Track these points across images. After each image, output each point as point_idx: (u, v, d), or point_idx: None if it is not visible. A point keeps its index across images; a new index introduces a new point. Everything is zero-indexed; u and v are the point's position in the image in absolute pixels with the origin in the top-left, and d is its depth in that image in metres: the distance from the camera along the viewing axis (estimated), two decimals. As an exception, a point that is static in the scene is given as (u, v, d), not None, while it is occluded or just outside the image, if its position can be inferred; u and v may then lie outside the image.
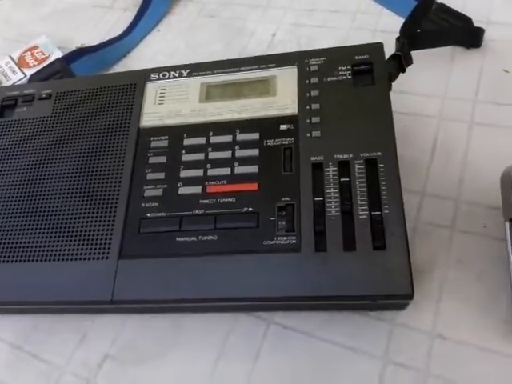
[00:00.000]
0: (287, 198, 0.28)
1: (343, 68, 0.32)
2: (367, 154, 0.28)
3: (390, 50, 0.36)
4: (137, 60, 0.48)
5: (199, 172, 0.30)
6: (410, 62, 0.36)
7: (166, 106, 0.34)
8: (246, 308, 0.29)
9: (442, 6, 0.43)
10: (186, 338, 0.29)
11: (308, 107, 0.31)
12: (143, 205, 0.29)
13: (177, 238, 0.27)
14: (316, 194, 0.28)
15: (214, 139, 0.31)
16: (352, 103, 0.31)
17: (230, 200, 0.28)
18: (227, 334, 0.28)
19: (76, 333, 0.30)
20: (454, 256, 0.29)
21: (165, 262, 0.27)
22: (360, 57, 0.33)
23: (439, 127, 0.36)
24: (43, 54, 0.46)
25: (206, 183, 0.29)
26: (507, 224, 0.27)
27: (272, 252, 0.26)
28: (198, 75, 0.35)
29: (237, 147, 0.30)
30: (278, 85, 0.33)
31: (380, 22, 0.45)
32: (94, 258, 0.28)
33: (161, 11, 0.51)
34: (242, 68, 0.34)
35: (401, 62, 0.35)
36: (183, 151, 0.31)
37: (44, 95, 0.35)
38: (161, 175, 0.30)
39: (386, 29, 0.44)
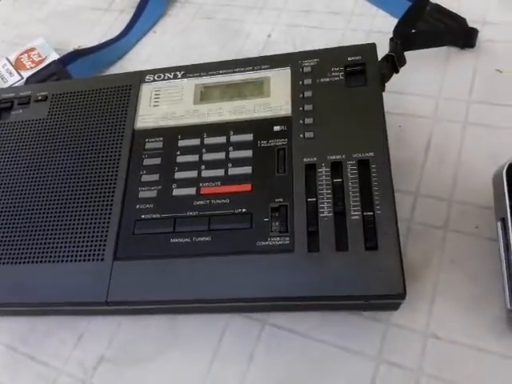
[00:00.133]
0: (280, 199, 0.28)
1: (336, 69, 0.33)
2: (360, 155, 0.29)
3: (384, 50, 0.36)
4: (133, 62, 0.48)
5: (193, 173, 0.30)
6: (403, 62, 0.36)
7: (161, 107, 0.34)
8: (241, 309, 0.29)
9: (437, 6, 0.43)
10: (181, 339, 0.29)
11: (301, 108, 0.31)
12: (138, 206, 0.29)
13: (171, 240, 0.28)
14: (309, 195, 0.28)
15: (208, 140, 0.31)
16: (345, 104, 0.31)
17: (224, 201, 0.29)
18: (222, 335, 0.29)
19: (72, 334, 0.31)
20: (447, 256, 0.30)
21: (159, 264, 0.27)
22: (353, 58, 0.33)
23: (433, 128, 0.37)
24: (40, 56, 0.47)
25: (200, 184, 0.29)
26: (499, 224, 0.27)
27: (266, 253, 0.26)
28: (193, 77, 0.35)
29: (231, 148, 0.31)
30: (271, 86, 0.33)
31: (375, 23, 0.45)
32: (89, 260, 0.28)
33: (157, 13, 0.51)
34: (235, 69, 0.34)
35: (394, 62, 0.35)
36: (178, 153, 0.31)
37: (40, 97, 0.36)
38: (155, 177, 0.30)
39: (381, 30, 0.44)
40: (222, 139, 0.31)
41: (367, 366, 0.26)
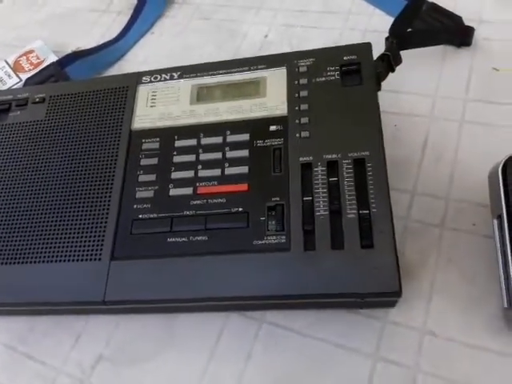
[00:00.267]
0: (277, 198, 0.28)
1: (331, 68, 0.33)
2: (355, 154, 0.29)
3: (381, 49, 0.36)
4: (131, 63, 0.48)
5: (190, 173, 0.30)
6: (399, 61, 0.36)
7: (158, 108, 0.34)
8: (238, 307, 0.29)
9: (433, 5, 0.43)
10: (179, 339, 0.29)
11: (297, 108, 0.31)
12: (135, 206, 0.30)
13: (168, 239, 0.28)
14: (305, 194, 0.28)
15: (205, 141, 0.31)
16: (340, 103, 0.31)
17: (221, 201, 0.29)
18: (219, 335, 0.29)
19: (70, 334, 0.31)
20: (444, 254, 0.30)
21: (156, 263, 0.27)
22: (348, 57, 0.33)
23: (430, 126, 0.37)
24: (38, 58, 0.47)
25: (197, 184, 0.30)
26: (495, 222, 0.27)
27: (262, 252, 0.27)
28: (189, 77, 0.35)
29: (227, 148, 0.31)
30: (267, 86, 0.33)
31: (372, 22, 0.45)
32: (86, 260, 0.28)
33: (154, 14, 0.51)
34: (232, 70, 0.34)
35: (390, 61, 0.35)
36: (174, 153, 0.31)
37: (37, 99, 0.36)
38: (152, 177, 0.31)
39: (378, 29, 0.45)
40: (218, 139, 0.31)
41: (364, 363, 0.26)
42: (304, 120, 0.31)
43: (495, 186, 0.27)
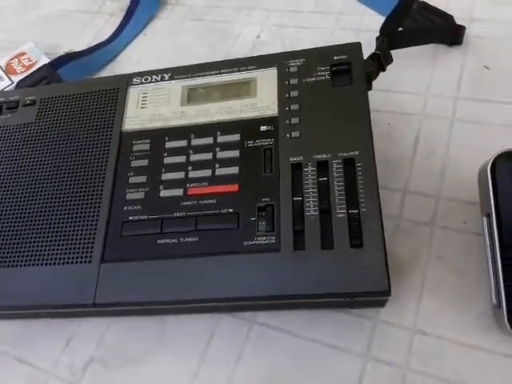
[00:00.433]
0: (267, 199, 0.28)
1: (322, 68, 0.33)
2: (345, 154, 0.29)
3: (373, 49, 0.36)
4: (123, 64, 0.48)
5: (180, 174, 0.30)
6: (389, 60, 0.36)
7: (148, 109, 0.34)
8: (229, 308, 0.29)
9: (424, 4, 0.43)
10: (170, 341, 0.29)
11: (287, 108, 0.31)
12: (125, 208, 0.29)
13: (158, 241, 0.28)
14: (295, 194, 0.28)
15: (196, 141, 0.31)
16: (330, 103, 0.31)
17: (211, 201, 0.29)
18: (210, 336, 0.29)
19: (62, 337, 0.31)
20: (435, 252, 0.30)
21: (146, 265, 0.27)
22: (338, 57, 0.33)
23: (421, 124, 0.37)
24: (30, 60, 0.47)
25: (187, 185, 0.30)
26: (485, 219, 0.27)
27: (252, 252, 0.27)
28: (180, 78, 0.35)
29: (218, 149, 0.31)
30: (258, 86, 0.33)
31: (364, 22, 0.46)
32: (76, 262, 0.28)
33: (147, 15, 0.51)
34: (222, 70, 0.34)
35: (380, 61, 0.35)
36: (165, 154, 0.31)
37: (28, 101, 0.36)
38: (143, 178, 0.30)
39: (370, 28, 0.45)
40: (209, 140, 0.31)
41: (355, 363, 0.26)
42: (294, 120, 0.31)
43: (484, 184, 0.27)
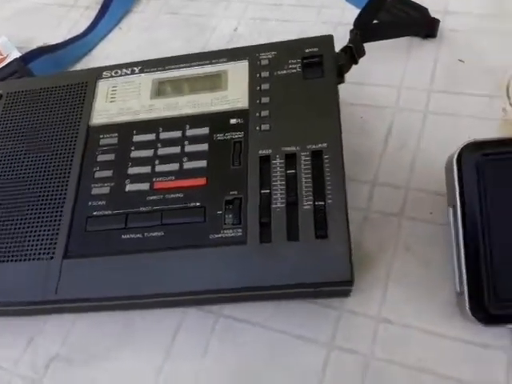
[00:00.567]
0: (235, 192, 0.28)
1: (293, 61, 0.32)
2: (313, 146, 0.28)
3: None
4: (98, 58, 0.48)
5: (147, 168, 0.30)
6: (362, 53, 0.36)
7: (117, 103, 0.33)
8: (195, 302, 0.29)
9: (399, -4, 0.43)
10: (136, 336, 0.29)
11: (258, 101, 0.31)
12: (90, 203, 0.29)
13: (122, 236, 0.27)
14: (263, 187, 0.28)
15: (164, 135, 0.31)
16: (301, 96, 0.31)
17: (178, 195, 0.28)
18: (176, 330, 0.28)
19: (25, 335, 0.30)
20: (401, 243, 0.30)
21: (110, 260, 0.27)
22: (310, 50, 0.33)
23: (394, 117, 0.37)
24: (1, 54, 0.46)
25: (154, 179, 0.29)
26: (450, 210, 0.27)
27: (219, 245, 0.26)
28: (150, 71, 0.34)
29: (186, 142, 0.30)
30: (229, 79, 0.33)
31: (345, 16, 0.45)
32: (38, 259, 0.27)
33: (123, 9, 0.50)
34: (193, 63, 0.34)
35: (353, 53, 0.35)
36: (132, 148, 0.31)
37: (-6, 96, 0.35)
38: (109, 173, 0.30)
39: (350, 22, 0.44)
40: (177, 133, 0.31)
41: (319, 353, 0.26)
42: (264, 113, 0.31)
43: (450, 176, 0.27)
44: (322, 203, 0.26)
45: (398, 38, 0.40)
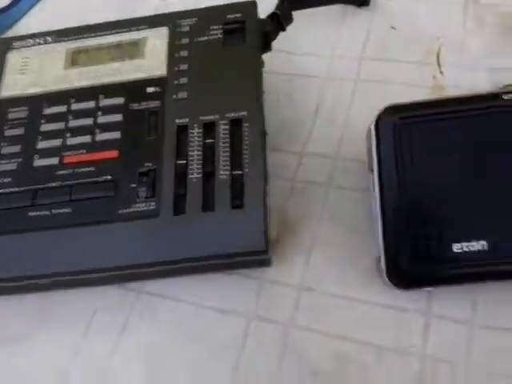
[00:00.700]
0: (149, 164, 0.27)
1: (215, 27, 0.31)
2: (233, 114, 0.28)
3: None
4: (23, 32, 0.44)
5: (57, 142, 0.28)
6: (289, 21, 0.35)
7: (29, 75, 0.31)
8: (111, 280, 0.27)
9: (333, -36, 0.42)
10: (54, 317, 0.28)
11: (176, 68, 0.30)
12: (-4, 181, 0.27)
13: (29, 213, 0.26)
14: (179, 157, 0.27)
15: (76, 106, 0.29)
16: (221, 63, 0.30)
17: (89, 169, 0.27)
18: (95, 309, 0.27)
19: None
20: (327, 211, 0.29)
21: (15, 238, 0.25)
22: (232, 15, 0.31)
23: (324, 87, 0.36)
24: None
25: (63, 153, 0.28)
26: (370, 176, 0.27)
27: (129, 220, 0.25)
28: (65, 41, 0.32)
29: (99, 113, 0.29)
30: (147, 47, 0.31)
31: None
32: None
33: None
34: (111, 31, 0.32)
35: (279, 20, 0.34)
36: (42, 121, 0.29)
37: None
38: (17, 148, 0.28)
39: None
40: (90, 104, 0.29)
41: (239, 325, 0.26)
42: (183, 80, 0.29)
43: (369, 143, 0.27)
44: (240, 172, 0.26)
45: (330, 5, 0.39)
